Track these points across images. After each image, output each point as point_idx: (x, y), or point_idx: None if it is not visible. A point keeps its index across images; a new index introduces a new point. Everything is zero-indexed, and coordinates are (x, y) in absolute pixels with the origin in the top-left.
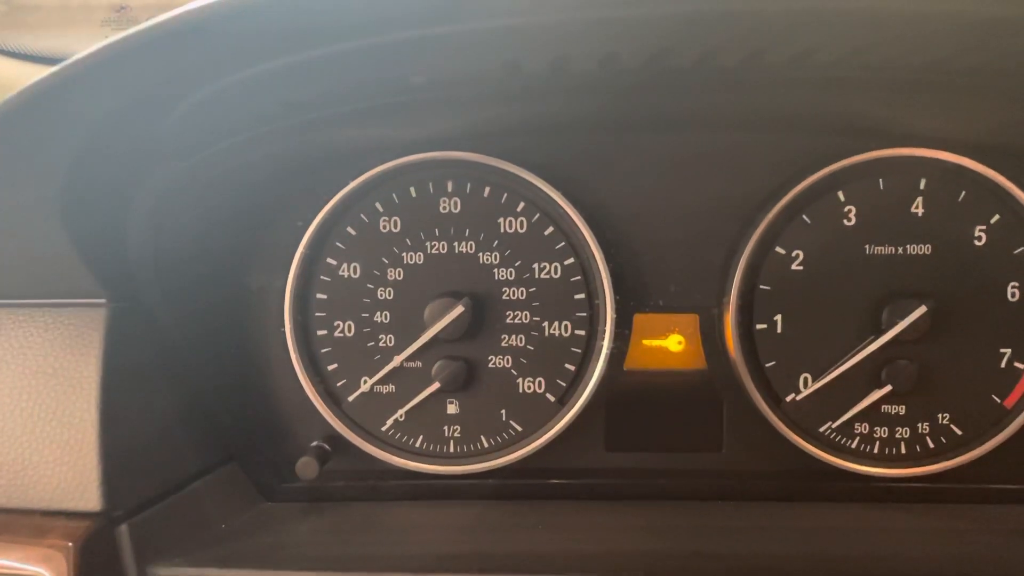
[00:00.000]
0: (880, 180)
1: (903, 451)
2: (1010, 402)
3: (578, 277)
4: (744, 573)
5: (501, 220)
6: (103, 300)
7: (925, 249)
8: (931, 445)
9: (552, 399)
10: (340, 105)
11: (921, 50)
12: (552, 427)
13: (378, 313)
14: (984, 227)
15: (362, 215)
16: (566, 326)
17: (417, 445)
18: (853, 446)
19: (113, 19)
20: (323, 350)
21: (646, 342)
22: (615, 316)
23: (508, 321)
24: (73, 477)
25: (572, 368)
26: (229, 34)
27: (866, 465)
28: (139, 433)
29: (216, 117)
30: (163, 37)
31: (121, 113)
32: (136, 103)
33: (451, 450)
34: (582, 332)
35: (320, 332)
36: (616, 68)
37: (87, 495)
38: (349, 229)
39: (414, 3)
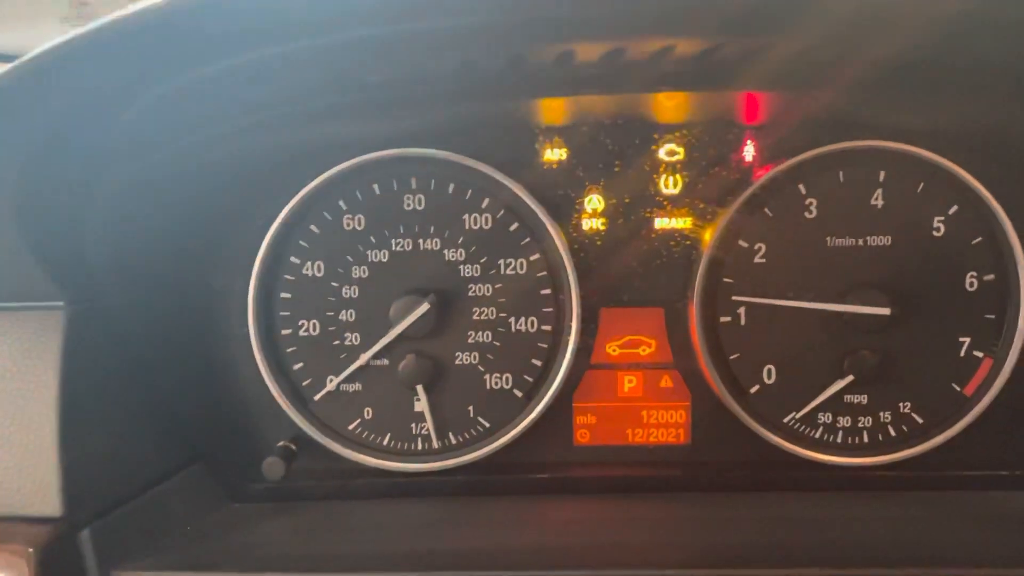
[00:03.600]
0: (840, 172)
1: (866, 440)
2: (970, 390)
3: (544, 273)
4: (712, 562)
5: (466, 217)
6: (60, 303)
7: (885, 240)
8: (893, 434)
9: (519, 394)
10: (301, 102)
11: (878, 44)
12: (520, 422)
13: (343, 311)
14: (943, 218)
15: (325, 213)
16: (532, 322)
17: (385, 443)
18: (817, 436)
19: (73, 15)
20: (288, 349)
21: (612, 336)
22: (581, 311)
23: (474, 317)
24: (33, 483)
25: (539, 363)
26: (187, 31)
27: (829, 454)
28: (100, 436)
29: (174, 115)
30: (119, 34)
31: (76, 110)
32: (92, 100)
33: (419, 447)
34: (548, 327)
35: (284, 331)
36: (572, 64)
37: (47, 500)
38: (312, 227)
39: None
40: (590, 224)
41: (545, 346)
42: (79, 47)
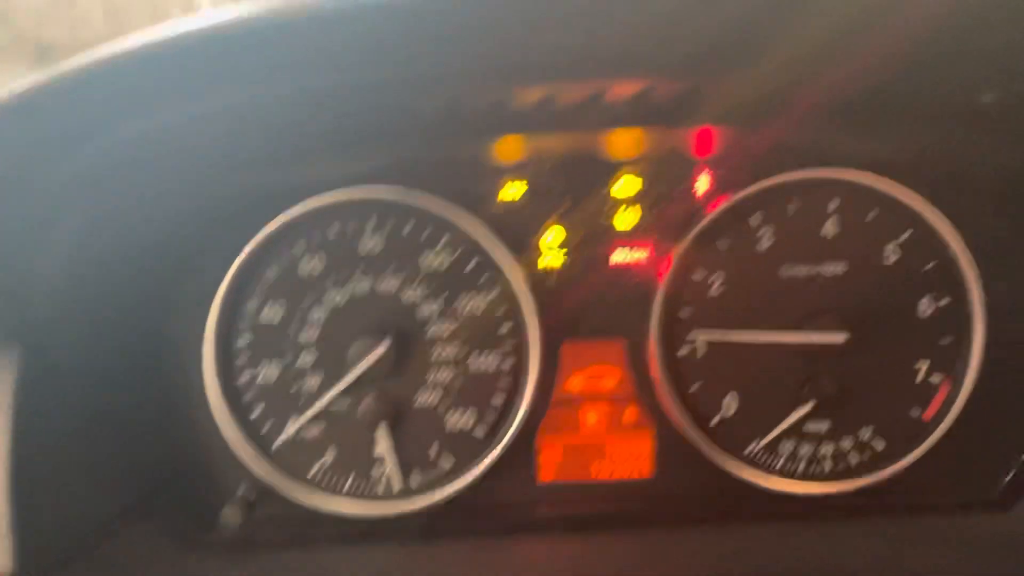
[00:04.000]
0: (792, 202)
1: (827, 469)
2: (928, 415)
3: (503, 309)
4: None
5: (424, 255)
6: (12, 352)
7: (839, 268)
8: (855, 461)
9: (481, 434)
10: (256, 147)
11: (830, 70)
12: (482, 462)
13: (302, 355)
14: (896, 244)
15: (282, 256)
16: (493, 360)
17: (346, 488)
18: (779, 466)
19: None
20: (246, 396)
21: (574, 371)
22: (542, 347)
23: (434, 357)
24: None
25: (500, 402)
26: (147, 79)
27: (792, 484)
28: (53, 488)
29: (129, 161)
30: (80, 81)
31: (30, 157)
32: (46, 148)
33: (381, 491)
34: (509, 365)
35: (242, 378)
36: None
37: None
38: (269, 271)
39: (315, 53)
40: (548, 260)
41: (506, 384)
42: (39, 95)
